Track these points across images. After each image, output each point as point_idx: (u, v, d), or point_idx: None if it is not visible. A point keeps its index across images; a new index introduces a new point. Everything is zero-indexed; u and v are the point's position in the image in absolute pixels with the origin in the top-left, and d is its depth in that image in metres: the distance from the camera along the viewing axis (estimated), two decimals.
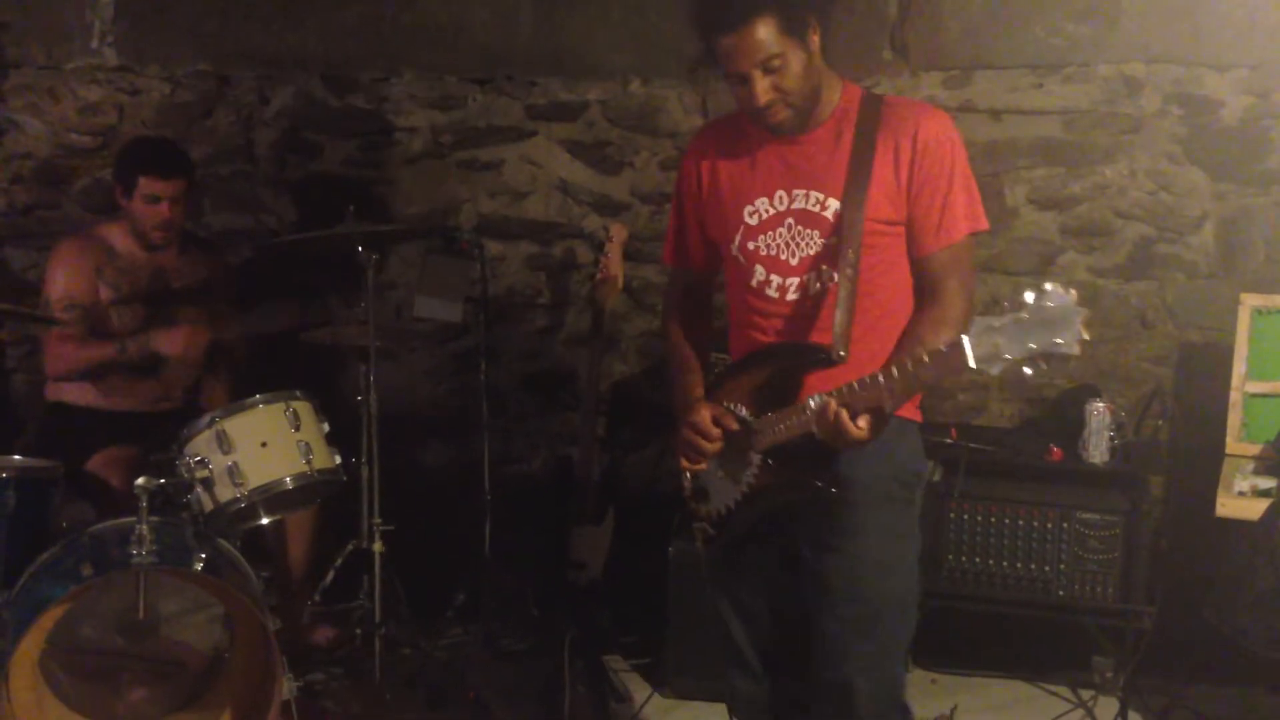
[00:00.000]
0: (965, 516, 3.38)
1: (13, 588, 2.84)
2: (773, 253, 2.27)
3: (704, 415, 2.27)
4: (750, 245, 2.29)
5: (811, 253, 2.23)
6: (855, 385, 2.03)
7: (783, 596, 2.36)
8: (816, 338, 2.22)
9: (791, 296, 2.26)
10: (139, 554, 2.70)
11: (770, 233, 2.27)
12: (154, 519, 2.77)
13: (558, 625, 3.40)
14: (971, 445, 3.38)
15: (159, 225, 3.50)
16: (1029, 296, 1.78)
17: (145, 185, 3.47)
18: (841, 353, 2.15)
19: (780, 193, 2.26)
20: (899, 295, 2.26)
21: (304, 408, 3.22)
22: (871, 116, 2.21)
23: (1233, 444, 3.27)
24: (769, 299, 2.28)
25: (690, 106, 3.98)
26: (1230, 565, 2.90)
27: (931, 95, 3.78)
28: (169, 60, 4.16)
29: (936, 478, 3.38)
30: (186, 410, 3.40)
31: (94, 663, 2.79)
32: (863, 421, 2.01)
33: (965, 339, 1.83)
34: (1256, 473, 3.09)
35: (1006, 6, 3.68)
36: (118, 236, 3.58)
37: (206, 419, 3.08)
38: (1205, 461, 3.31)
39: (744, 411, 2.25)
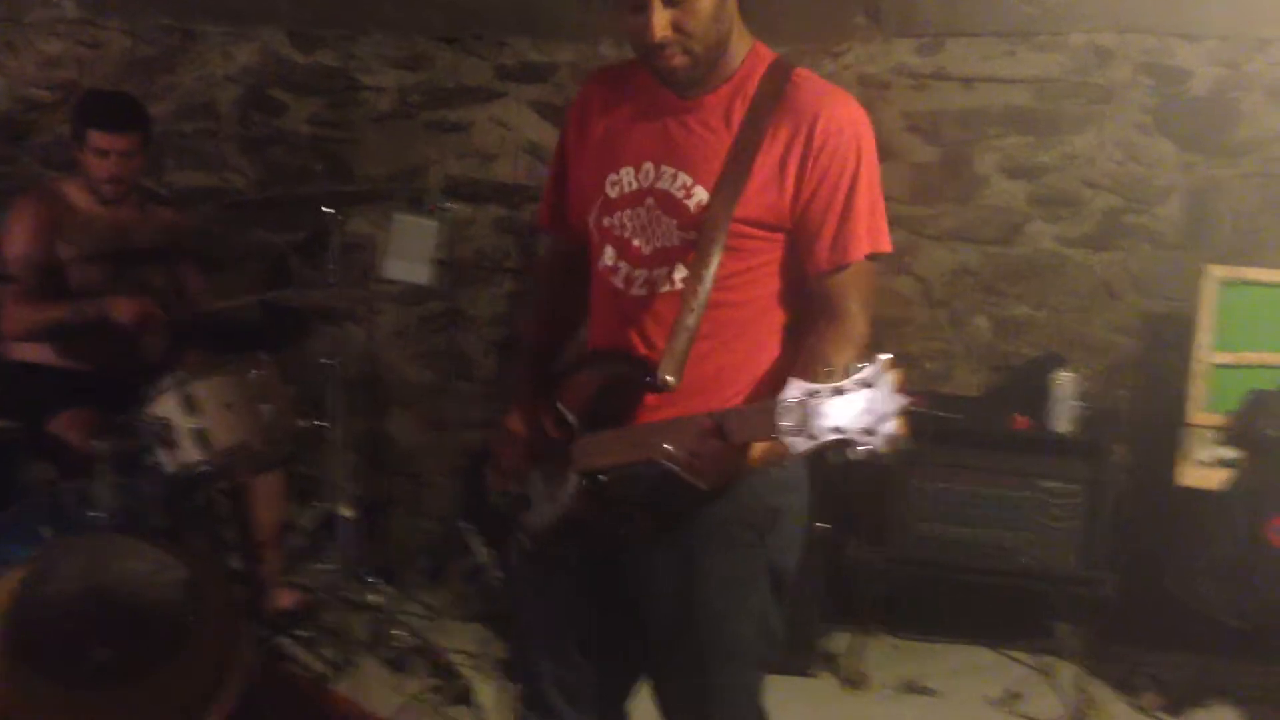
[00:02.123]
0: (930, 484, 3.40)
1: None
2: (625, 235, 1.93)
3: (520, 418, 1.98)
4: (605, 221, 1.95)
5: (666, 244, 1.89)
6: (743, 411, 1.69)
7: (595, 633, 2.05)
8: (656, 347, 1.86)
9: (638, 291, 1.92)
10: (97, 515, 2.68)
11: (627, 210, 1.93)
12: (114, 480, 2.75)
13: None
14: (937, 413, 3.39)
15: (107, 179, 3.44)
16: (852, 369, 1.51)
17: (94, 139, 3.41)
18: (669, 378, 1.79)
19: (648, 165, 1.92)
20: (764, 313, 1.91)
21: (269, 370, 3.19)
22: (771, 93, 1.87)
23: (1195, 414, 3.30)
24: (615, 290, 1.94)
25: None
26: (1191, 534, 2.94)
27: (904, 62, 3.77)
28: (131, 13, 4.08)
29: (903, 445, 3.39)
30: (150, 371, 3.36)
31: (57, 624, 2.77)
32: (753, 452, 1.70)
33: (782, 403, 1.54)
34: (1219, 442, 3.13)
35: None
36: (75, 192, 3.51)
37: (170, 380, 3.04)
38: (1167, 431, 3.34)
39: (573, 420, 1.91)
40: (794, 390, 1.53)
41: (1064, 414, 3.37)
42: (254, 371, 3.14)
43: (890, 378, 1.48)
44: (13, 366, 3.54)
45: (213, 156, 4.14)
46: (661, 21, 1.80)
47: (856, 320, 1.85)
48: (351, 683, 3.27)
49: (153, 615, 2.77)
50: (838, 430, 1.49)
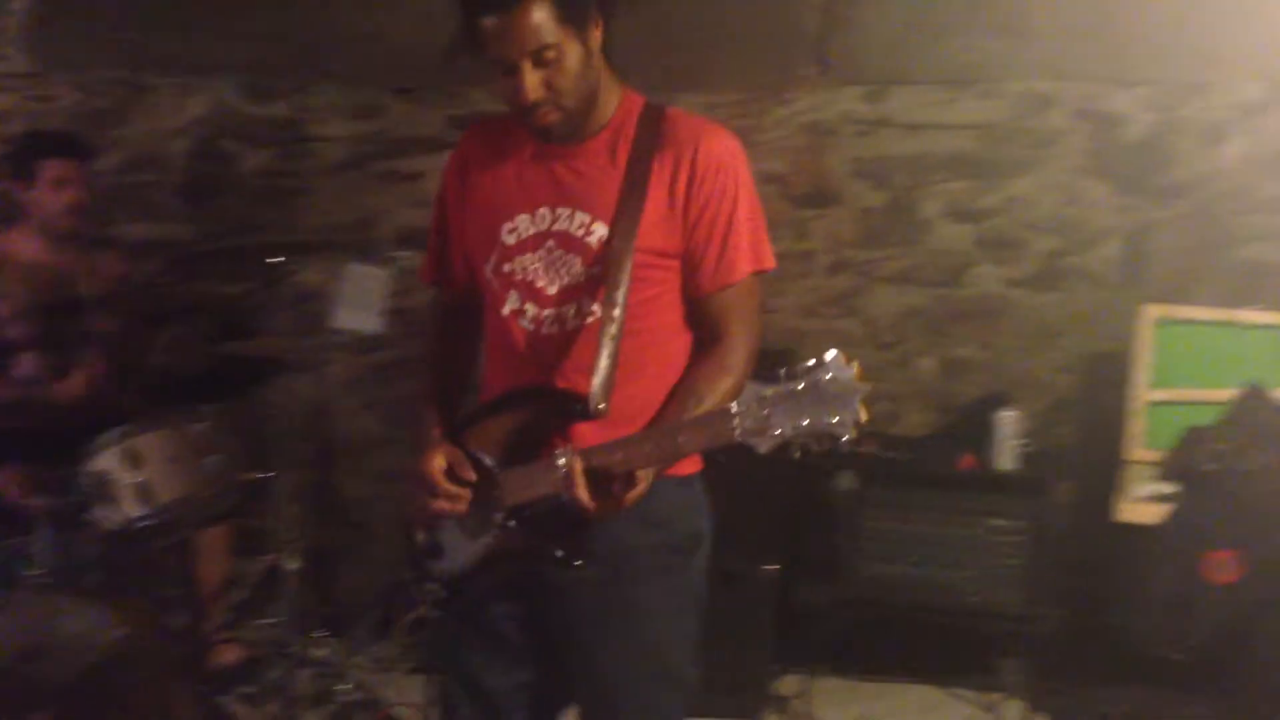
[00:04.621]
0: (879, 524, 3.41)
1: None
2: (529, 278, 1.99)
3: (435, 464, 1.96)
4: (505, 268, 2.00)
5: (572, 281, 1.96)
6: (612, 445, 1.80)
7: (526, 676, 2.07)
8: (574, 381, 1.94)
9: (548, 330, 1.98)
10: (35, 573, 2.66)
11: (528, 254, 1.99)
12: (53, 537, 2.73)
13: None
14: (886, 454, 3.42)
15: (69, 209, 3.39)
16: (807, 366, 1.61)
17: (50, 169, 3.34)
18: (601, 405, 1.88)
19: (543, 210, 1.99)
20: (672, 338, 2.01)
21: (214, 422, 3.18)
22: (651, 131, 1.97)
23: (1134, 451, 3.34)
24: (523, 331, 1.99)
25: None
26: (1132, 569, 2.97)
27: (851, 109, 3.84)
28: (81, 66, 4.09)
29: (852, 486, 3.42)
30: (93, 426, 3.34)
31: None
32: (617, 487, 1.79)
33: (733, 407, 1.64)
34: (1156, 478, 3.16)
35: (923, 23, 3.73)
36: (15, 242, 3.44)
37: (112, 434, 3.02)
38: (1108, 468, 3.37)
39: (489, 461, 1.95)
40: (749, 394, 1.62)
41: (1008, 453, 3.41)
42: (199, 424, 3.13)
43: (850, 369, 1.58)
44: None
45: (163, 208, 4.14)
46: (533, 83, 1.86)
47: (737, 345, 1.96)
48: None
49: (90, 675, 2.75)
50: (798, 426, 1.58)
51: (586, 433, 1.90)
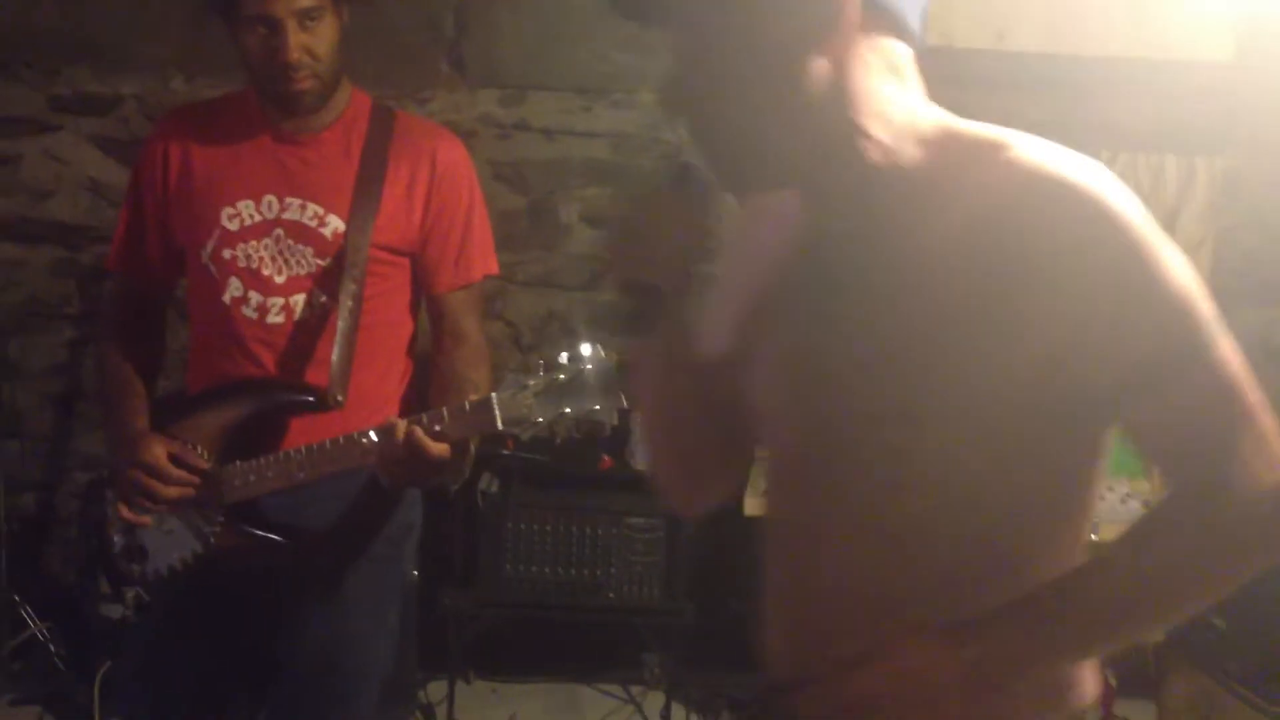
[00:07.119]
0: (522, 526, 3.43)
1: None
2: (254, 266, 1.98)
3: (159, 453, 1.91)
4: (226, 254, 1.98)
5: (303, 272, 1.98)
6: (458, 411, 1.82)
7: (225, 675, 2.05)
8: (303, 371, 1.95)
9: (274, 319, 1.98)
10: None
11: (253, 242, 1.98)
12: None
13: (89, 666, 3.09)
14: (526, 455, 3.45)
15: None
16: (565, 358, 1.73)
17: None
18: (340, 397, 1.92)
19: (270, 198, 1.98)
20: (398, 331, 2.07)
21: None
22: (383, 130, 2.01)
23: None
24: (246, 320, 1.98)
25: None
26: (751, 558, 3.16)
27: (488, 111, 3.84)
28: None
29: (494, 489, 3.43)
30: None
31: None
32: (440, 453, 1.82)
33: (493, 397, 1.74)
34: None
35: (558, 32, 3.79)
36: None
37: None
38: None
39: (204, 454, 1.92)
40: (510, 384, 1.71)
41: (644, 452, 3.53)
42: None
43: (610, 361, 1.69)
44: None
45: None
46: (296, 43, 1.89)
47: (477, 336, 2.08)
48: None
49: None
50: (560, 414, 1.69)
51: (322, 424, 1.91)
